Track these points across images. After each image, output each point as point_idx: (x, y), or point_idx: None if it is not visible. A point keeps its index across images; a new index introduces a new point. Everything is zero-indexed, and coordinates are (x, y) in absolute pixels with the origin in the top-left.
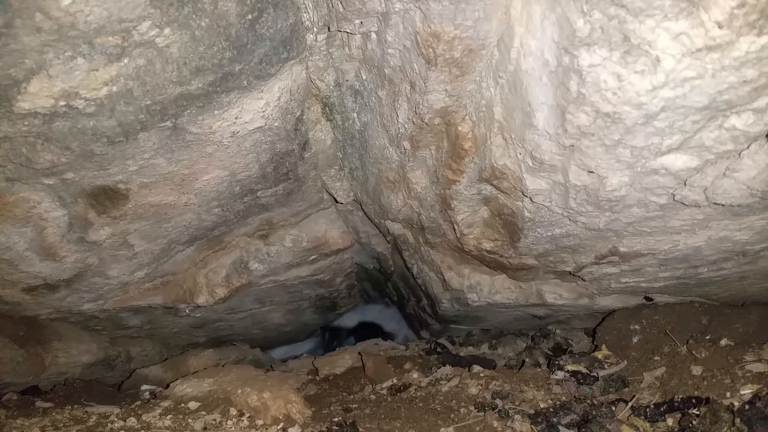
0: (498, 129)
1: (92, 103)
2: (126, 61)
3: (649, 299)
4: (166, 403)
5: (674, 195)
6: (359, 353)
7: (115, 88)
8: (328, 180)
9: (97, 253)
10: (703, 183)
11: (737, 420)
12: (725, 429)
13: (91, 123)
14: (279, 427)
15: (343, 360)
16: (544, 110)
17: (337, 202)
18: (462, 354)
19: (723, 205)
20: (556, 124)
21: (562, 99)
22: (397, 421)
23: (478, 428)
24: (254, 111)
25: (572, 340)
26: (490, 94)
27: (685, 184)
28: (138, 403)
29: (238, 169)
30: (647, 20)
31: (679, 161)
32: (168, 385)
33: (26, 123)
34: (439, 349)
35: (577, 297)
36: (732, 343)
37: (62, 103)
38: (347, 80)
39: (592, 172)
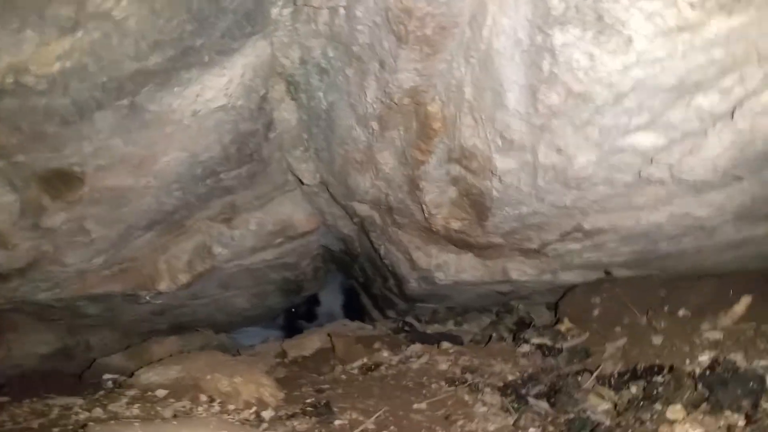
0: (468, 109)
1: (44, 79)
2: (80, 34)
3: (608, 273)
4: (132, 392)
5: (640, 173)
6: (328, 334)
7: (68, 64)
8: (294, 161)
9: (52, 240)
10: (669, 161)
11: (699, 385)
12: (687, 394)
13: (43, 101)
14: (252, 411)
15: (311, 342)
16: (516, 90)
17: (302, 184)
18: (429, 332)
19: (687, 181)
20: (527, 103)
21: (534, 78)
22: (371, 399)
23: (450, 402)
24: (217, 89)
25: (534, 315)
26: (461, 73)
27: (651, 162)
28: (101, 393)
29: (200, 150)
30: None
31: (646, 140)
32: (132, 374)
33: None
34: (406, 328)
35: (540, 273)
36: (689, 314)
37: (10, 79)
38: (313, 57)
39: (560, 151)
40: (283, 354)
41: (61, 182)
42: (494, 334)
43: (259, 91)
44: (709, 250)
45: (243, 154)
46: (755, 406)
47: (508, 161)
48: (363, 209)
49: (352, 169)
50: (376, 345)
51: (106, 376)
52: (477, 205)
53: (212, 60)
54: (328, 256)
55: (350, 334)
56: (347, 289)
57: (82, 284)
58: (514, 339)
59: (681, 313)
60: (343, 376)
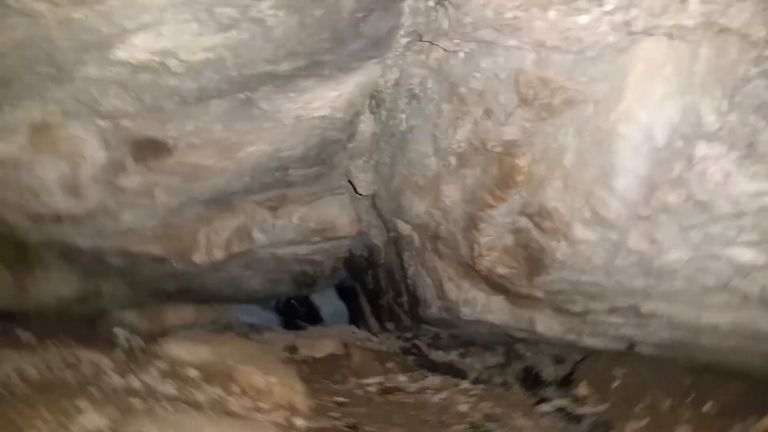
0: (561, 174)
1: (184, 65)
2: (233, 33)
3: (631, 348)
4: (161, 365)
5: (728, 282)
6: (344, 344)
7: (211, 56)
8: (354, 170)
9: (118, 198)
10: (763, 281)
11: None
12: None
13: (174, 82)
14: (282, 414)
15: (324, 345)
16: (630, 177)
17: (356, 192)
18: (433, 358)
19: None
20: (639, 193)
21: (658, 175)
22: (395, 428)
23: None
24: (325, 100)
25: (541, 365)
26: (566, 141)
27: (745, 276)
28: (123, 351)
29: (285, 147)
30: None
31: (746, 255)
32: (156, 341)
33: (114, 70)
34: (414, 350)
35: (565, 332)
36: (715, 412)
37: (157, 59)
38: (410, 83)
39: (655, 242)
40: (294, 349)
41: (151, 151)
42: (498, 378)
43: (357, 107)
44: (745, 352)
45: (320, 157)
46: None
47: (589, 233)
48: (405, 228)
49: (409, 190)
50: (390, 364)
51: (118, 329)
52: (532, 259)
53: (331, 75)
54: (347, 258)
55: (359, 343)
56: (341, 287)
57: (123, 240)
58: (523, 386)
59: (706, 408)
60: (359, 392)
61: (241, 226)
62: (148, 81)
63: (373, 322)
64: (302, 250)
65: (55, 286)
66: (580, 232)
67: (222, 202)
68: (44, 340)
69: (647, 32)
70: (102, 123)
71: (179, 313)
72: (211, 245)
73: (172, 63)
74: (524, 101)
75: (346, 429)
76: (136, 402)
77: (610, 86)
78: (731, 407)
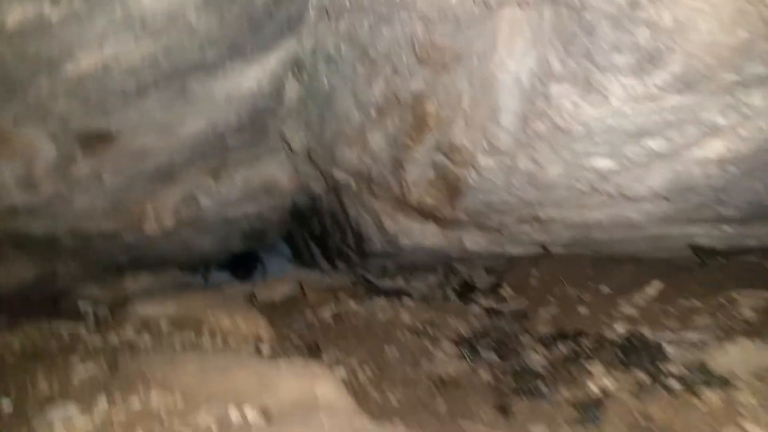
0: (462, 116)
1: (124, 69)
2: (164, 38)
3: (546, 249)
4: (134, 322)
5: (594, 185)
6: (300, 283)
7: (147, 58)
8: (287, 130)
9: (71, 186)
10: (618, 181)
11: (617, 350)
12: (606, 355)
13: (116, 83)
14: (252, 345)
15: (280, 289)
16: (510, 113)
17: (291, 150)
18: (380, 285)
19: (628, 196)
20: (517, 125)
21: (527, 110)
22: (349, 342)
23: (415, 349)
24: (252, 78)
25: (475, 277)
26: (462, 88)
27: (605, 180)
28: (94, 319)
29: (221, 121)
30: (607, 73)
31: (604, 164)
32: (123, 306)
33: (62, 81)
34: (363, 281)
35: (490, 244)
36: (610, 291)
37: (101, 67)
38: (325, 49)
39: (536, 162)
40: (253, 297)
41: (98, 141)
42: (440, 293)
43: (281, 77)
44: (632, 239)
45: (255, 125)
46: (656, 367)
47: (490, 161)
48: (341, 176)
49: (340, 141)
50: (341, 295)
51: (82, 303)
52: (451, 188)
53: (254, 56)
54: (292, 208)
55: (313, 283)
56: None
57: (76, 222)
58: (460, 298)
59: (604, 290)
60: (315, 321)
61: (186, 193)
62: (93, 85)
63: (324, 264)
64: (250, 208)
65: (13, 273)
66: (483, 160)
67: (166, 175)
68: (17, 320)
69: (501, 5)
70: (51, 124)
71: (137, 280)
72: (159, 214)
73: (114, 68)
74: (421, 60)
75: (307, 347)
76: (120, 352)
77: (485, 44)
78: (622, 286)
